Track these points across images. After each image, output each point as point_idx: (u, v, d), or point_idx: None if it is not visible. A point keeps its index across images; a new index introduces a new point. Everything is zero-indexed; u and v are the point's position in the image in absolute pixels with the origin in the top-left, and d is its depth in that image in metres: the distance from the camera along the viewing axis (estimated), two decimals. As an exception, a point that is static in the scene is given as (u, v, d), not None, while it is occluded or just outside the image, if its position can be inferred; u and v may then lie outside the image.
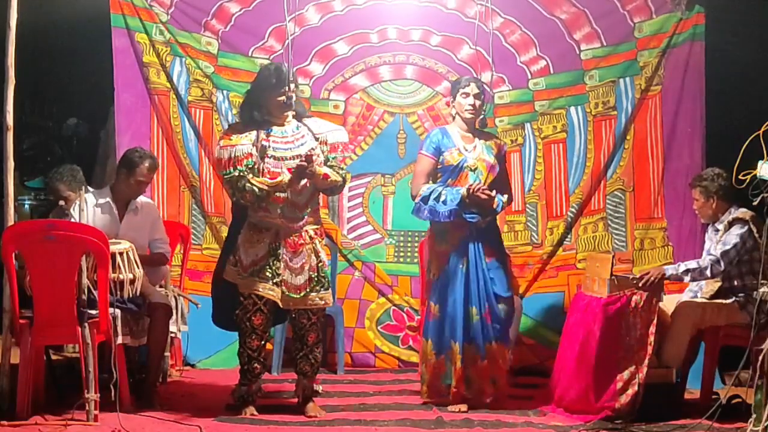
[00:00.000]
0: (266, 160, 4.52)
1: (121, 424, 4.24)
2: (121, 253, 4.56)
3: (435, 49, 6.17)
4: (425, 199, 4.81)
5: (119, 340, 4.58)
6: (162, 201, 6.00)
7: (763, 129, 4.06)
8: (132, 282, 4.59)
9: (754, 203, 4.19)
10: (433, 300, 4.89)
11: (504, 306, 4.82)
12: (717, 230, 4.97)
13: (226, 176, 4.55)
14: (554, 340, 5.63)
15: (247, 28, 6.09)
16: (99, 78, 6.22)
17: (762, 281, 4.49)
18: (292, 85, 4.58)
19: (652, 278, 4.70)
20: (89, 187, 5.17)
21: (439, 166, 4.90)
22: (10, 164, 4.61)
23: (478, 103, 4.90)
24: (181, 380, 5.46)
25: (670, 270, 4.80)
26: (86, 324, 4.40)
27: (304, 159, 4.47)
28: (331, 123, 4.94)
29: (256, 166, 4.50)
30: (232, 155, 4.51)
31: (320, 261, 4.64)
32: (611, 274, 4.69)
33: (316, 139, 4.64)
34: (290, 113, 4.64)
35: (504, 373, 4.84)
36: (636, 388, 4.60)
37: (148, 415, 4.51)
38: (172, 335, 5.30)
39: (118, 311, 4.55)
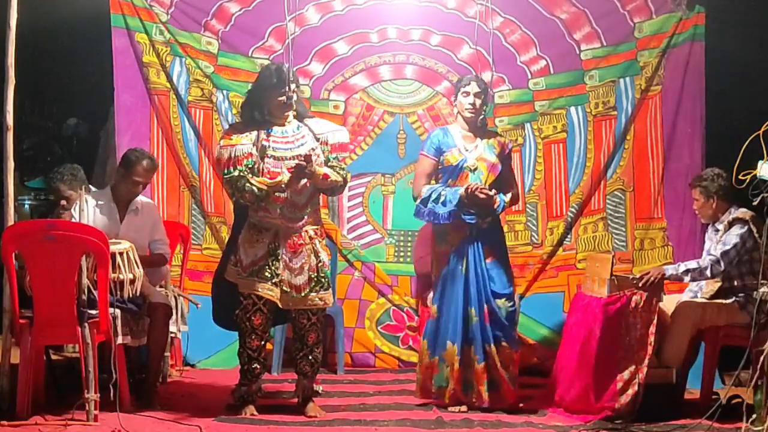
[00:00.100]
0: (266, 160, 4.52)
1: (121, 424, 4.24)
2: (121, 253, 4.56)
3: (435, 49, 6.18)
4: (425, 201, 4.80)
5: (119, 340, 4.57)
6: (162, 201, 6.00)
7: (763, 129, 4.06)
8: (132, 282, 4.59)
9: (754, 203, 4.19)
10: (433, 300, 4.89)
11: (504, 303, 4.75)
12: (717, 230, 4.97)
13: (226, 176, 4.55)
14: (554, 340, 5.64)
15: (247, 28, 6.09)
16: (99, 78, 6.23)
17: (762, 281, 4.49)
18: (293, 85, 4.58)
19: (652, 278, 4.70)
20: (90, 186, 5.18)
21: (439, 167, 4.89)
22: (10, 164, 4.61)
23: (478, 101, 4.87)
24: (181, 380, 5.46)
25: (670, 270, 4.80)
26: (86, 324, 4.40)
27: (303, 159, 4.47)
28: (333, 123, 4.94)
29: (255, 166, 4.51)
30: (232, 155, 4.51)
31: (320, 261, 4.63)
32: (611, 274, 4.69)
33: (317, 140, 4.64)
34: (291, 113, 4.64)
35: (502, 376, 4.74)
36: (636, 388, 4.60)
37: (148, 415, 4.51)
38: (172, 335, 5.30)
39: (118, 311, 4.55)
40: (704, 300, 4.93)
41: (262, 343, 4.62)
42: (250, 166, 4.50)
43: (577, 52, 6.09)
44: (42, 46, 6.42)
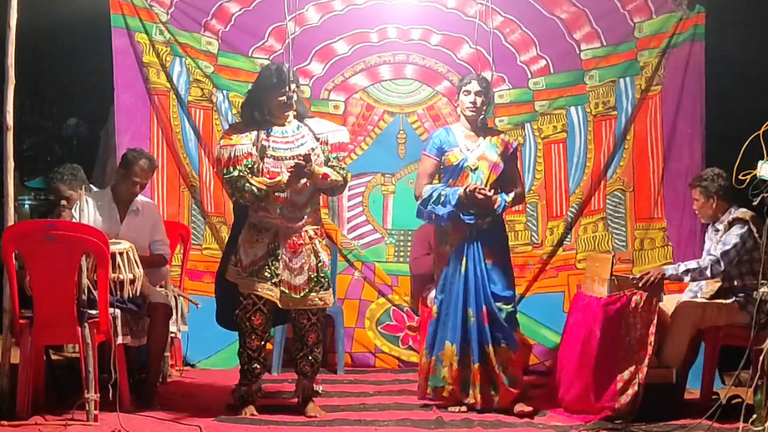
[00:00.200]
0: (266, 160, 4.52)
1: (121, 424, 4.24)
2: (121, 253, 4.56)
3: (435, 49, 6.18)
4: (425, 202, 4.79)
5: (119, 340, 4.57)
6: (162, 201, 6.00)
7: (763, 129, 4.06)
8: (132, 282, 4.59)
9: (754, 203, 4.19)
10: (434, 300, 4.88)
11: (504, 305, 4.73)
12: (717, 230, 4.97)
13: (225, 176, 4.56)
14: (554, 340, 5.65)
15: (247, 28, 6.09)
16: (99, 78, 6.23)
17: (762, 281, 4.49)
18: (293, 85, 4.57)
19: (652, 278, 4.70)
20: (91, 186, 5.17)
21: (441, 167, 4.88)
22: (10, 164, 4.61)
23: (479, 100, 4.84)
24: (181, 380, 5.46)
25: (670, 270, 4.79)
26: (86, 324, 4.40)
27: (302, 158, 4.47)
28: (333, 123, 4.93)
29: (255, 166, 4.51)
30: (232, 155, 4.51)
31: (320, 261, 4.63)
32: (611, 274, 4.69)
33: (317, 139, 4.64)
34: (291, 113, 4.64)
35: (501, 377, 4.70)
36: (636, 388, 4.60)
37: (148, 415, 4.51)
38: (172, 335, 5.30)
39: (118, 311, 4.55)
40: (704, 300, 4.93)
41: (262, 343, 4.62)
42: (249, 166, 4.50)
43: (577, 52, 6.08)
44: (42, 46, 6.42)
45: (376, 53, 6.18)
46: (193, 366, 5.81)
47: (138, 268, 4.64)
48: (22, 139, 6.64)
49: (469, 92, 4.86)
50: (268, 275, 4.53)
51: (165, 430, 4.33)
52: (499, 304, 4.73)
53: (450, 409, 4.75)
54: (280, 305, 4.57)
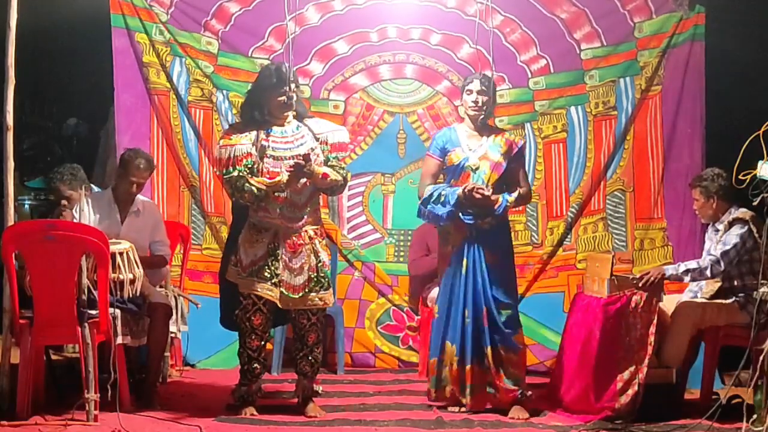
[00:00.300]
0: (265, 159, 4.52)
1: (121, 424, 4.24)
2: (121, 253, 4.56)
3: (435, 48, 6.18)
4: (425, 202, 4.78)
5: (119, 340, 4.57)
6: (162, 201, 6.00)
7: (763, 129, 4.06)
8: (132, 282, 4.59)
9: (754, 203, 4.19)
10: (436, 300, 4.88)
11: (505, 311, 4.70)
12: (717, 230, 4.97)
13: (225, 176, 4.55)
14: (554, 340, 5.64)
15: (247, 28, 6.09)
16: (99, 78, 6.23)
17: (762, 281, 4.49)
18: (293, 85, 4.57)
19: (652, 278, 4.70)
20: (92, 186, 5.17)
21: (444, 167, 4.87)
22: (10, 164, 4.61)
23: (481, 99, 4.81)
24: (181, 380, 5.46)
25: (670, 270, 4.79)
26: (86, 324, 4.40)
27: (302, 158, 4.47)
28: (332, 123, 4.93)
29: (255, 166, 4.50)
30: (232, 155, 4.51)
31: (320, 261, 4.63)
32: (611, 274, 4.69)
33: (317, 139, 4.64)
34: (291, 113, 4.64)
35: (499, 378, 4.67)
36: (636, 388, 4.59)
37: (148, 415, 4.51)
38: (172, 335, 5.30)
39: (118, 311, 4.55)
40: (704, 300, 4.93)
41: (262, 343, 4.62)
42: (249, 166, 4.50)
43: (577, 52, 6.09)
44: (42, 46, 6.42)
45: (376, 53, 6.19)
46: (193, 366, 5.81)
47: (138, 268, 4.64)
48: (22, 139, 6.64)
49: (471, 91, 4.84)
50: (268, 275, 4.53)
51: (165, 430, 4.33)
52: (501, 311, 4.69)
53: (450, 409, 4.74)
54: (279, 305, 4.56)
